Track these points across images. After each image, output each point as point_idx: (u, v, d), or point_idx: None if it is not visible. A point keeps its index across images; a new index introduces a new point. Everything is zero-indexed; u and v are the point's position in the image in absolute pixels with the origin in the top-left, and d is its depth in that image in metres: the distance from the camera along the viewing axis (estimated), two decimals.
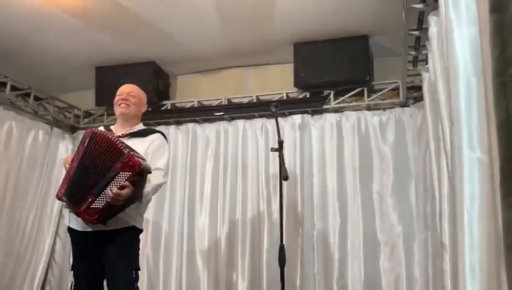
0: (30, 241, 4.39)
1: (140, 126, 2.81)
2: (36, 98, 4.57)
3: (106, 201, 2.27)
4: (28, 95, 4.46)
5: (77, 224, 2.49)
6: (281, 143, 2.27)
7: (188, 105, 4.57)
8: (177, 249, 4.25)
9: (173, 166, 4.46)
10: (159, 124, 4.64)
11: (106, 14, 3.62)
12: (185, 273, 4.15)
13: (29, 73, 4.43)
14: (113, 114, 4.77)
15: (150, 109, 4.51)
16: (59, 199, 2.42)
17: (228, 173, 4.29)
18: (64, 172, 2.54)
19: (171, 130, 4.60)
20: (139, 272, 2.57)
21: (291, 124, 4.14)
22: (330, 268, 3.78)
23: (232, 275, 4.04)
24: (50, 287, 4.55)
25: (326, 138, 4.06)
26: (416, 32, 2.91)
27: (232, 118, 4.42)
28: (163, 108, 4.62)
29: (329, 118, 4.10)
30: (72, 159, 2.43)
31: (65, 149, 4.74)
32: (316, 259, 3.83)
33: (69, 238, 2.61)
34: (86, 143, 2.37)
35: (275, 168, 4.11)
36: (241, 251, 4.05)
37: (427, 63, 3.09)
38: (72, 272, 2.56)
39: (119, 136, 2.55)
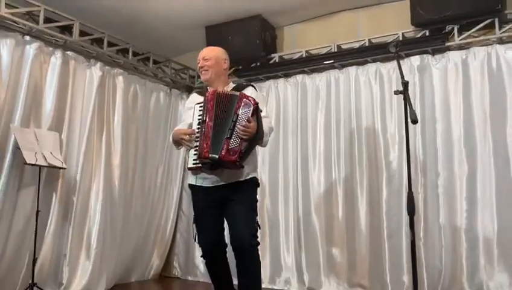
0: (161, 194, 4.82)
1: (232, 85, 2.86)
2: (154, 62, 4.87)
3: (239, 138, 2.47)
4: (148, 59, 4.76)
5: (206, 181, 2.66)
6: (406, 84, 2.09)
7: (296, 56, 4.49)
8: (293, 202, 4.32)
9: (284, 120, 4.48)
10: (267, 78, 4.66)
11: None
12: (302, 226, 4.21)
13: (147, 38, 4.71)
14: None
15: (258, 64, 4.61)
16: (206, 158, 2.50)
17: (341, 124, 4.17)
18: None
19: (280, 83, 4.59)
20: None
21: (408, 66, 3.84)
22: (458, 219, 3.53)
23: (351, 228, 4.00)
24: (180, 235, 4.99)
25: (450, 80, 3.71)
26: None
27: (343, 66, 4.24)
28: (271, 61, 4.60)
29: (453, 56, 3.71)
30: (203, 121, 2.54)
31: (183, 108, 5.00)
32: (441, 210, 3.60)
33: None
34: (213, 103, 2.54)
35: (392, 115, 3.90)
36: (359, 203, 3.97)
37: None
38: (194, 225, 2.75)
39: None
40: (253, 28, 4.46)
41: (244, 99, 2.52)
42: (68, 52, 3.92)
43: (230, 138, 2.48)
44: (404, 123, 2.25)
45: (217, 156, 2.47)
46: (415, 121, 1.99)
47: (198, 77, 5.20)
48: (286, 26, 4.74)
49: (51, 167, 3.47)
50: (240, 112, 2.49)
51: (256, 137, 2.52)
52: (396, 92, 2.17)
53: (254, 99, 2.54)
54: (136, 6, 4.21)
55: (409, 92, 3.65)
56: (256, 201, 2.76)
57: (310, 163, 4.29)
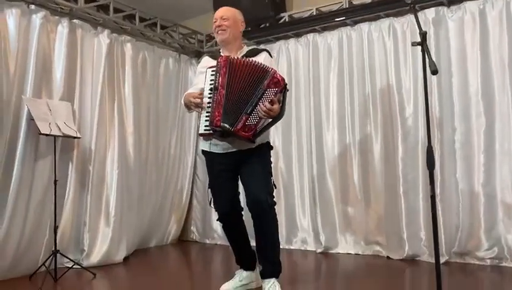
0: (175, 160, 4.85)
1: (246, 49, 2.79)
2: (162, 27, 4.78)
3: (259, 117, 2.44)
4: (155, 24, 4.69)
5: (217, 147, 2.65)
6: (424, 35, 2.01)
7: (306, 14, 4.37)
8: (307, 164, 4.32)
9: (296, 81, 4.42)
10: (277, 38, 4.57)
11: None
12: (317, 186, 4.21)
13: (153, 3, 4.62)
14: None
15: (267, 24, 4.50)
16: (217, 126, 2.46)
17: (354, 83, 4.10)
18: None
19: (290, 43, 4.50)
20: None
21: (423, 20, 3.69)
22: (475, 173, 3.49)
23: (366, 186, 4.00)
24: (197, 200, 5.05)
25: (466, 32, 3.58)
26: None
27: (355, 22, 4.12)
28: (280, 21, 4.49)
29: (470, 7, 3.57)
30: (215, 88, 2.47)
31: (193, 74, 4.96)
32: (457, 164, 3.56)
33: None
34: (226, 70, 2.46)
35: (407, 71, 3.82)
36: (374, 161, 3.95)
37: None
38: (209, 190, 2.76)
39: None
40: None
41: (274, 78, 2.44)
42: (75, 20, 3.86)
43: (250, 114, 2.44)
44: (419, 78, 2.19)
45: (229, 127, 2.44)
46: (435, 72, 1.93)
47: (207, 41, 5.12)
48: None
49: (66, 136, 3.49)
50: (268, 89, 2.43)
51: (276, 119, 2.49)
52: (414, 44, 2.09)
53: (284, 80, 2.48)
54: None
55: None
56: (271, 163, 2.76)
57: (324, 124, 4.25)
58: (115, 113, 4.09)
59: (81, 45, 3.89)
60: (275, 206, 2.66)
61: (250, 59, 2.54)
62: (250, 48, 2.85)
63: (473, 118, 3.53)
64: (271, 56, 2.80)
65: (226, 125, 2.44)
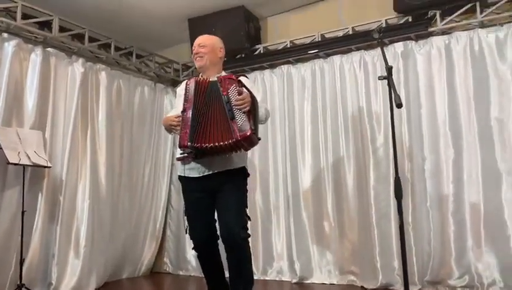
0: (149, 190, 4.78)
1: (224, 74, 2.80)
2: (138, 56, 4.80)
3: (243, 112, 2.42)
4: (131, 53, 4.71)
5: (193, 171, 2.63)
6: (389, 69, 2.09)
7: (281, 46, 4.47)
8: (283, 192, 4.33)
9: (271, 111, 4.43)
10: (253, 69, 4.64)
11: None
12: (292, 215, 4.22)
13: (129, 32, 4.65)
14: None
15: (243, 55, 4.60)
16: (185, 146, 2.48)
17: (328, 112, 4.18)
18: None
19: (265, 74, 4.58)
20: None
21: (392, 53, 3.85)
22: (445, 202, 3.57)
23: (340, 215, 4.02)
24: (170, 230, 4.97)
25: (433, 65, 3.73)
26: None
27: (328, 55, 4.24)
28: (256, 53, 4.58)
29: (437, 41, 3.73)
30: (183, 110, 2.51)
31: (169, 102, 4.98)
32: (428, 194, 3.63)
33: (180, 185, 2.76)
34: (193, 92, 2.51)
35: (377, 102, 3.92)
36: (347, 189, 3.99)
37: None
38: (185, 217, 2.73)
39: None
40: (236, 20, 4.43)
41: (225, 80, 2.49)
42: (48, 49, 3.85)
43: (233, 117, 2.42)
44: (389, 109, 2.27)
45: (195, 145, 2.43)
46: (399, 105, 2.00)
47: (183, 70, 5.17)
48: (269, 16, 4.72)
49: (35, 166, 3.42)
50: (229, 91, 2.45)
51: (254, 103, 2.47)
52: (381, 78, 2.17)
53: (232, 74, 2.55)
54: (117, 0, 4.14)
55: (394, 79, 3.70)
56: (246, 192, 2.72)
57: (299, 153, 4.30)
58: (88, 142, 4.04)
59: (54, 73, 3.87)
60: (250, 238, 2.64)
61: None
62: (227, 73, 2.87)
63: (441, 148, 3.63)
64: (248, 79, 2.84)
65: (191, 144, 2.44)
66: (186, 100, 2.53)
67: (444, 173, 3.60)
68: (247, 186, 2.73)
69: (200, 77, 2.71)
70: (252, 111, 2.45)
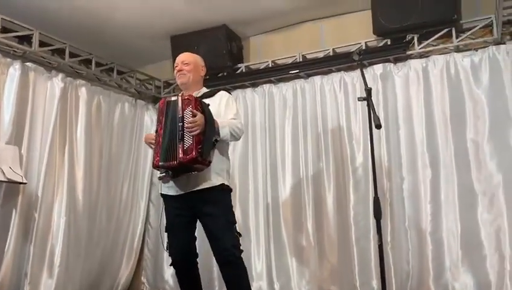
0: (127, 207, 4.69)
1: (204, 90, 2.90)
2: (119, 72, 4.77)
3: (192, 136, 2.45)
4: (112, 70, 4.67)
5: (171, 189, 2.68)
6: (369, 90, 2.15)
7: (262, 66, 4.52)
8: (263, 211, 4.31)
9: (252, 129, 4.49)
10: (235, 87, 4.66)
11: None
12: (272, 234, 4.20)
13: (111, 48, 4.62)
14: None
15: (225, 74, 4.62)
16: (156, 166, 2.56)
17: (308, 131, 4.21)
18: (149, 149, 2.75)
19: (247, 93, 4.61)
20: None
21: (371, 75, 3.93)
22: (423, 222, 3.62)
23: (320, 233, 4.02)
24: (148, 249, 4.87)
25: (411, 87, 3.81)
26: None
27: (308, 75, 4.29)
28: (238, 71, 4.62)
29: (414, 64, 3.82)
30: (156, 130, 2.60)
31: (150, 119, 4.94)
32: (406, 214, 3.67)
33: (161, 203, 2.79)
34: (164, 112, 2.57)
35: (357, 122, 3.98)
36: (327, 209, 4.00)
37: None
38: (166, 234, 2.71)
39: None
40: (219, 39, 4.46)
41: (184, 100, 2.52)
42: (28, 64, 3.79)
43: (182, 139, 2.46)
44: (368, 129, 2.32)
45: (169, 163, 2.48)
46: (378, 126, 2.04)
47: (165, 87, 5.15)
48: (252, 36, 4.77)
49: (10, 182, 3.33)
50: (185, 111, 2.48)
51: (208, 128, 2.49)
52: (360, 99, 2.22)
53: (192, 95, 2.56)
54: (99, 16, 4.14)
55: (373, 99, 3.80)
56: (231, 208, 2.73)
57: (279, 171, 4.30)
58: (65, 158, 3.96)
59: (33, 87, 3.80)
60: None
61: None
62: (209, 89, 2.93)
63: (419, 169, 3.69)
64: (230, 93, 2.89)
65: (162, 164, 2.50)
66: (158, 120, 2.61)
67: (421, 193, 3.66)
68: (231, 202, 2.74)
69: (180, 94, 2.74)
70: (204, 134, 2.46)
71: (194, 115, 2.45)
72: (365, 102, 2.29)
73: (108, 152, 4.49)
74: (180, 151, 2.43)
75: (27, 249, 3.61)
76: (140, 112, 4.92)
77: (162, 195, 2.76)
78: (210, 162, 2.53)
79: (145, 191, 4.85)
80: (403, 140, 3.78)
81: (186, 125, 2.45)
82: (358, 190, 3.85)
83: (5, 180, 3.27)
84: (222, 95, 2.81)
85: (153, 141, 2.61)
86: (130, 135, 4.78)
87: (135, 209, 4.78)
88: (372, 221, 3.68)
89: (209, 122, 2.51)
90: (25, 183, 3.51)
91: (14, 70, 3.67)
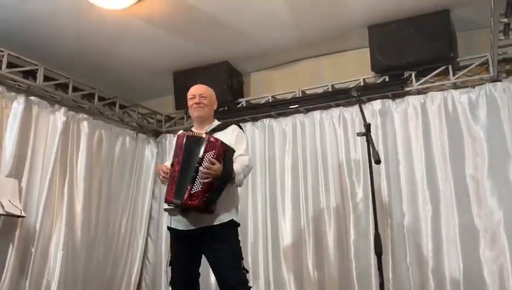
0: (125, 242, 4.64)
1: (216, 122, 2.91)
2: (121, 106, 4.84)
3: (203, 183, 2.40)
4: (114, 104, 4.74)
5: (179, 224, 2.63)
6: (368, 126, 2.17)
7: (263, 101, 4.58)
8: (262, 245, 4.26)
9: (252, 162, 4.48)
10: (235, 121, 4.69)
11: (180, 18, 3.74)
12: (271, 269, 4.14)
13: (114, 83, 4.71)
14: None
15: (225, 108, 4.68)
16: (170, 202, 2.51)
17: (308, 166, 4.22)
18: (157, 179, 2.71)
19: (247, 126, 4.62)
20: None
21: (370, 110, 3.97)
22: (424, 259, 3.57)
23: (321, 270, 3.95)
24: (145, 285, 4.78)
25: (410, 123, 3.85)
26: None
27: (308, 110, 4.34)
28: (238, 106, 4.67)
29: (412, 100, 3.88)
30: (172, 164, 2.56)
31: (150, 153, 4.97)
32: (408, 250, 3.63)
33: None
34: (184, 147, 2.54)
35: (356, 157, 3.99)
36: (328, 244, 3.96)
37: None
38: (170, 267, 2.67)
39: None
40: (220, 74, 4.54)
41: (209, 141, 2.48)
42: (31, 97, 3.84)
43: (193, 182, 2.43)
44: (368, 164, 2.33)
45: (179, 201, 2.45)
46: (378, 161, 2.05)
47: (166, 121, 5.20)
48: (252, 72, 4.86)
49: (9, 215, 3.31)
50: (206, 154, 2.44)
51: (223, 178, 2.46)
52: (359, 134, 2.25)
53: (218, 140, 2.50)
54: (103, 52, 4.24)
55: (373, 135, 3.82)
56: (238, 243, 2.68)
57: (279, 206, 4.27)
58: (65, 192, 3.95)
59: (35, 121, 3.84)
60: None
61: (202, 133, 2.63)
62: (220, 122, 2.94)
63: (420, 205, 3.67)
64: (241, 128, 2.87)
65: (177, 200, 2.46)
66: (175, 154, 2.57)
67: (422, 229, 3.62)
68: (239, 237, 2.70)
69: (190, 131, 2.74)
70: (215, 182, 2.44)
71: (212, 163, 2.42)
72: (364, 137, 2.31)
73: (107, 186, 4.49)
74: (187, 194, 2.42)
75: (22, 284, 3.54)
76: (141, 146, 4.95)
77: (170, 229, 2.70)
78: (213, 211, 2.50)
79: (143, 225, 4.81)
80: (402, 175, 3.78)
81: (201, 169, 2.42)
82: (359, 226, 3.82)
83: (4, 213, 3.25)
84: (234, 129, 2.81)
85: (166, 175, 2.59)
86: (130, 169, 4.78)
87: (133, 244, 4.72)
88: (373, 257, 3.63)
89: (227, 172, 2.47)
90: (24, 217, 3.49)
91: (18, 104, 3.72)
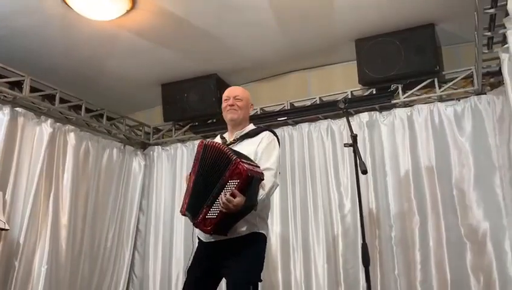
0: (111, 255, 4.57)
1: (250, 127, 2.67)
2: (108, 118, 4.80)
3: (220, 211, 2.19)
4: (101, 115, 4.70)
5: (202, 234, 2.47)
6: (354, 137, 2.18)
7: (251, 113, 4.56)
8: None
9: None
10: (223, 133, 4.68)
11: (169, 30, 3.75)
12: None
13: (101, 95, 4.68)
14: (181, 128, 4.96)
15: (214, 120, 4.67)
16: (183, 214, 2.40)
17: (296, 178, 4.22)
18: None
19: None
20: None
21: (358, 122, 4.01)
22: (412, 270, 3.58)
23: (308, 280, 3.94)
24: None
25: (397, 135, 3.89)
26: (491, 10, 2.71)
27: (296, 122, 4.37)
28: None
29: (399, 113, 3.92)
30: (190, 174, 2.41)
31: (138, 165, 4.93)
32: (396, 261, 3.63)
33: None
34: (199, 156, 2.35)
35: (344, 169, 4.01)
36: (316, 256, 3.95)
37: (504, 44, 2.88)
38: (186, 275, 2.53)
39: (231, 143, 2.54)
40: (208, 87, 4.56)
41: (237, 168, 2.16)
42: (17, 108, 3.80)
43: (210, 206, 2.23)
44: (355, 176, 2.33)
45: (192, 221, 2.34)
46: (365, 171, 2.06)
47: (154, 133, 5.17)
48: (241, 85, 4.86)
49: None
50: (229, 181, 2.18)
51: (243, 209, 2.20)
52: (346, 145, 2.26)
53: (248, 170, 2.15)
54: (91, 63, 4.23)
55: (360, 147, 3.88)
56: (257, 261, 2.40)
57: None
58: (50, 204, 3.89)
59: (21, 132, 3.79)
60: None
61: (232, 144, 2.47)
62: (255, 127, 2.69)
63: (407, 216, 3.69)
64: (275, 135, 2.59)
65: (189, 214, 2.35)
66: (193, 164, 2.38)
67: (410, 240, 3.64)
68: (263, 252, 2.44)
69: (221, 138, 2.62)
70: (231, 217, 2.22)
71: (234, 195, 2.14)
72: (351, 148, 2.32)
73: (94, 198, 4.43)
74: (201, 217, 2.25)
75: None
76: (128, 158, 4.90)
77: (197, 236, 2.54)
78: (226, 235, 2.30)
79: (130, 238, 4.74)
80: (390, 187, 3.80)
81: (222, 197, 2.15)
82: (347, 237, 3.82)
83: None
84: (264, 137, 2.51)
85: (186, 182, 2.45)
86: (117, 181, 4.73)
87: (120, 258, 4.65)
88: (361, 269, 3.63)
89: (248, 204, 2.20)
90: (7, 230, 3.42)
91: (3, 115, 3.67)
